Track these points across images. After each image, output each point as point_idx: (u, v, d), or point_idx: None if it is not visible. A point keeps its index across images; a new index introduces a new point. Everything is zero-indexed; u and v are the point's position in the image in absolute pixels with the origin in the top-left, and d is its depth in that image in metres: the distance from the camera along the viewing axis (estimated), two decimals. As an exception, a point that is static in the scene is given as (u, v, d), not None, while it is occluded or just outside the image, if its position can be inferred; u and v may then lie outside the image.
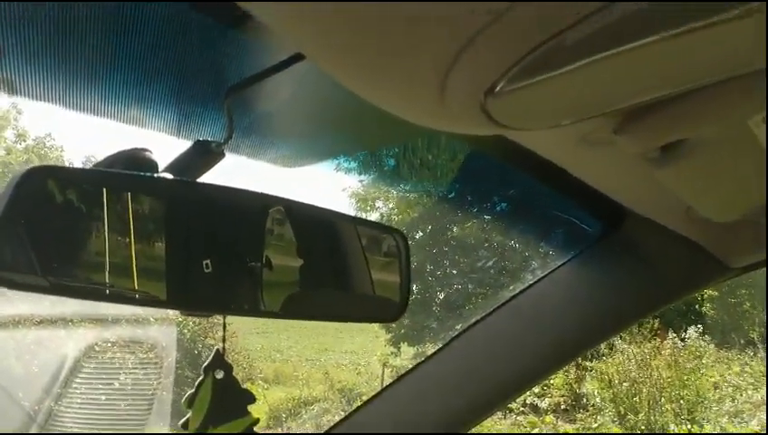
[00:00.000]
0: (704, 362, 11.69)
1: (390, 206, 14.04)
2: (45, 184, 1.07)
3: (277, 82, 1.18)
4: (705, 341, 12.03)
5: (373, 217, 13.46)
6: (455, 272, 13.10)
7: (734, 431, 10.96)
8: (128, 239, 1.15)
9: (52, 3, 1.06)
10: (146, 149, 1.21)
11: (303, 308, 1.44)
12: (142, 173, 1.18)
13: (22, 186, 1.01)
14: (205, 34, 1.19)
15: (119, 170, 1.17)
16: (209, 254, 1.23)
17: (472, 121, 0.77)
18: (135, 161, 1.19)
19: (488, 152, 1.84)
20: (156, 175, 1.21)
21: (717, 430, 10.82)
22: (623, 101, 0.78)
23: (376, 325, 13.12)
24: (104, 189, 1.14)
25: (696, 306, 12.97)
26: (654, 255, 1.89)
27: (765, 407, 11.03)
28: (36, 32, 1.10)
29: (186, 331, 9.62)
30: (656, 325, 11.79)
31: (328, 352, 16.14)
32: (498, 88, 0.67)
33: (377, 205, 14.14)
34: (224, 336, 1.35)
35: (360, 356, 15.55)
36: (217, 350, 1.33)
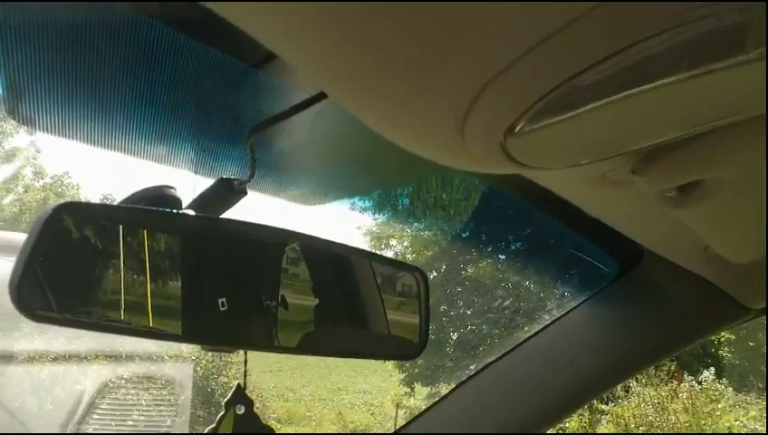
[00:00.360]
0: (721, 405, 11.56)
1: (405, 244, 14.00)
2: (72, 219, 1.09)
3: (299, 121, 1.20)
4: (722, 384, 11.91)
5: (387, 255, 13.42)
6: (469, 312, 13.03)
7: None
8: (148, 276, 1.16)
9: (75, 42, 1.08)
10: (170, 187, 1.23)
11: (319, 345, 1.45)
12: (166, 210, 1.20)
13: (50, 222, 1.02)
14: (230, 74, 1.21)
15: (144, 207, 1.19)
16: (226, 291, 1.24)
17: (492, 160, 0.77)
18: (160, 198, 1.20)
19: (504, 191, 1.85)
20: (179, 211, 1.23)
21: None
22: (641, 141, 0.79)
23: (390, 365, 13.07)
24: (127, 225, 1.16)
25: (713, 350, 12.87)
26: (671, 295, 1.89)
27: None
28: (59, 70, 1.12)
29: (198, 368, 9.58)
30: (672, 368, 11.70)
31: (341, 392, 16.05)
32: (518, 128, 0.68)
33: (391, 243, 14.11)
34: (245, 371, 1.36)
35: (374, 396, 15.46)
36: (238, 385, 1.33)
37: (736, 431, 11.32)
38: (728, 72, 0.60)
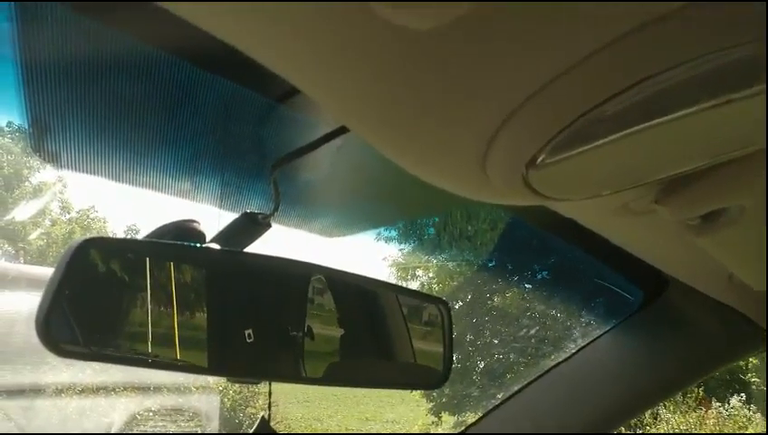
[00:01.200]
0: (750, 431, 11.44)
1: (430, 275, 13.97)
2: (98, 254, 1.10)
3: (321, 153, 1.21)
4: (750, 410, 11.79)
5: (413, 286, 13.38)
6: (496, 341, 12.97)
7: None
8: (173, 310, 1.16)
9: (99, 80, 1.09)
10: (194, 220, 1.24)
11: (345, 375, 1.45)
12: (190, 243, 1.20)
13: (76, 256, 1.03)
14: (253, 109, 1.22)
15: (168, 241, 1.20)
16: (252, 323, 1.24)
17: (514, 193, 0.78)
18: (184, 232, 1.21)
19: (528, 221, 1.85)
20: (204, 245, 1.23)
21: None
22: (662, 172, 0.79)
23: (417, 394, 13.02)
24: (152, 259, 1.17)
25: (740, 375, 12.72)
26: (696, 323, 1.88)
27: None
28: (83, 108, 1.13)
29: (226, 399, 9.56)
30: (700, 394, 11.61)
31: (369, 422, 15.96)
32: (539, 160, 0.68)
33: (417, 274, 14.07)
34: (269, 403, 1.37)
35: (402, 426, 15.37)
36: (263, 417, 1.33)
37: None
38: (748, 102, 0.60)
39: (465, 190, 0.82)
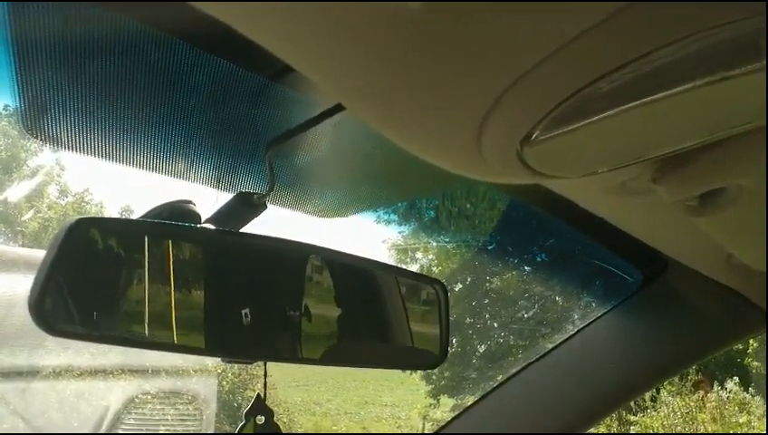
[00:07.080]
0: (752, 412, 11.47)
1: (430, 257, 13.98)
2: (92, 234, 1.09)
3: (317, 133, 1.20)
4: (750, 393, 11.81)
5: (413, 268, 13.39)
6: (495, 324, 13.00)
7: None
8: (169, 290, 1.16)
9: (93, 60, 1.08)
10: (189, 201, 1.23)
11: (342, 356, 1.45)
12: (185, 224, 1.20)
13: (70, 236, 1.03)
14: (247, 88, 1.21)
15: (163, 221, 1.19)
16: (249, 304, 1.24)
17: (508, 170, 0.77)
18: (179, 213, 1.21)
19: (527, 202, 1.84)
20: (198, 226, 1.23)
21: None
22: (659, 149, 0.78)
23: (416, 377, 13.05)
24: (147, 240, 1.16)
25: (739, 359, 12.74)
26: (695, 304, 1.88)
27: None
28: (77, 87, 1.13)
29: (224, 383, 9.58)
30: (699, 377, 11.63)
31: (368, 406, 16.01)
32: (534, 136, 0.68)
33: (416, 256, 14.09)
34: (265, 382, 1.36)
35: (401, 409, 15.42)
36: (258, 395, 1.33)
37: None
38: (746, 79, 0.59)
39: (460, 168, 0.82)
